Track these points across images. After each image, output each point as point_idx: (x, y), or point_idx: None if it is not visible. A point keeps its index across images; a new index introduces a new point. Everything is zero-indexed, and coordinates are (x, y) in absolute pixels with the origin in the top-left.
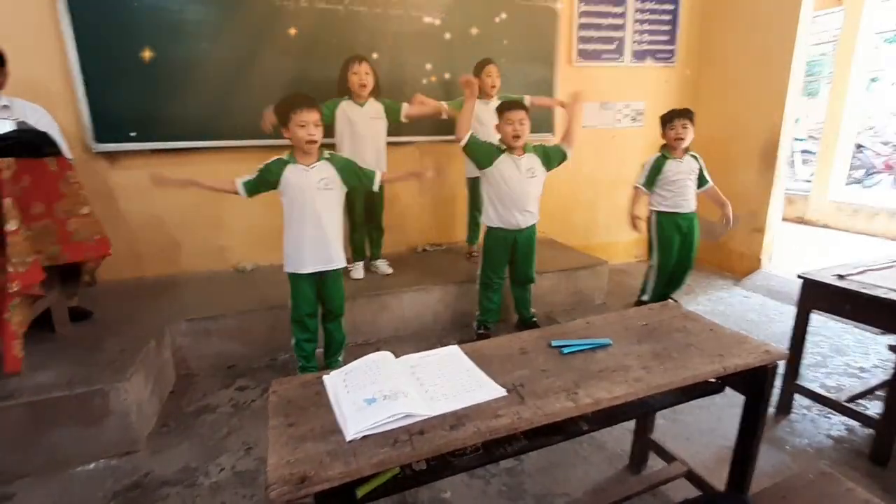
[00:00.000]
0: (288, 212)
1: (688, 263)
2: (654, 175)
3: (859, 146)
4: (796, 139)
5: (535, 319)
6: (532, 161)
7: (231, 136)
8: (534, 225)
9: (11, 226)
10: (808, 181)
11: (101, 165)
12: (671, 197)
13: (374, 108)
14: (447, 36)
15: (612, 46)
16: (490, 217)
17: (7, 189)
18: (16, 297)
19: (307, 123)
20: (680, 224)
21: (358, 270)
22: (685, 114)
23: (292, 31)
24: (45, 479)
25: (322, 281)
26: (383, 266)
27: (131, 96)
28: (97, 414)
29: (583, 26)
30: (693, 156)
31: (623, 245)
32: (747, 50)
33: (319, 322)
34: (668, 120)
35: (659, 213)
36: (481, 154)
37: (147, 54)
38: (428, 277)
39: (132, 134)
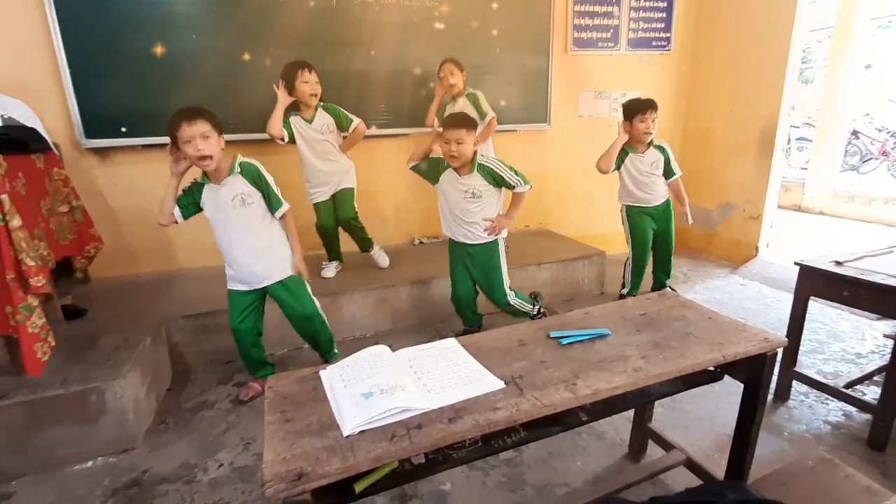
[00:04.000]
0: (215, 234)
1: (668, 248)
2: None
3: (855, 133)
4: (792, 126)
5: (537, 315)
6: (475, 181)
7: (223, 130)
8: (483, 245)
9: (16, 222)
10: (805, 168)
11: (92, 162)
12: (637, 192)
13: (323, 121)
14: (441, 26)
15: (608, 34)
16: (442, 225)
17: (5, 185)
18: (30, 295)
19: (192, 138)
20: (652, 215)
21: (329, 270)
22: (654, 105)
23: (283, 25)
24: (43, 477)
25: (276, 290)
26: (381, 258)
27: (121, 91)
28: (94, 412)
29: (578, 14)
30: (658, 146)
31: (620, 235)
32: (743, 37)
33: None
34: (638, 111)
35: (628, 206)
36: (425, 174)
37: (136, 48)
38: (425, 270)
39: (123, 129)
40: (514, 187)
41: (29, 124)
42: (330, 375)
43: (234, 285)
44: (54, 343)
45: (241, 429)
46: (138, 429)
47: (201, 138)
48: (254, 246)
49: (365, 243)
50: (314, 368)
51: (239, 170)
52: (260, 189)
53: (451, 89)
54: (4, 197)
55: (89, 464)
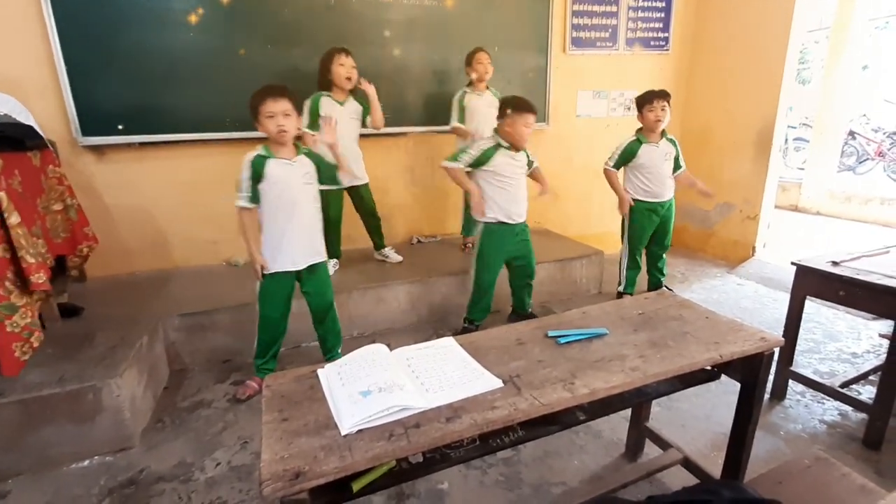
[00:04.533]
0: (272, 208)
1: (665, 244)
2: (624, 159)
3: (852, 133)
4: (789, 127)
5: (531, 311)
6: (524, 158)
7: (221, 128)
8: (525, 220)
9: (14, 219)
10: (802, 169)
11: (88, 159)
12: (648, 185)
13: (353, 107)
14: (438, 24)
15: (606, 34)
16: (493, 213)
17: (1, 183)
18: (14, 294)
19: (275, 114)
20: (657, 211)
21: (328, 268)
22: (664, 95)
23: (280, 20)
24: (39, 476)
25: (309, 276)
26: (392, 254)
27: (118, 88)
28: (90, 411)
29: (576, 13)
30: (670, 139)
31: (617, 235)
32: (741, 37)
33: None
34: (646, 101)
35: (635, 201)
36: (476, 163)
37: (133, 45)
38: (423, 269)
39: (119, 127)
40: (532, 163)
41: (21, 120)
42: (328, 374)
43: (281, 266)
44: (38, 344)
45: (239, 428)
46: (135, 428)
47: (283, 115)
48: (310, 224)
49: (382, 239)
50: (312, 367)
51: (307, 151)
52: (321, 171)
53: (484, 77)
54: (2, 194)
55: (85, 463)
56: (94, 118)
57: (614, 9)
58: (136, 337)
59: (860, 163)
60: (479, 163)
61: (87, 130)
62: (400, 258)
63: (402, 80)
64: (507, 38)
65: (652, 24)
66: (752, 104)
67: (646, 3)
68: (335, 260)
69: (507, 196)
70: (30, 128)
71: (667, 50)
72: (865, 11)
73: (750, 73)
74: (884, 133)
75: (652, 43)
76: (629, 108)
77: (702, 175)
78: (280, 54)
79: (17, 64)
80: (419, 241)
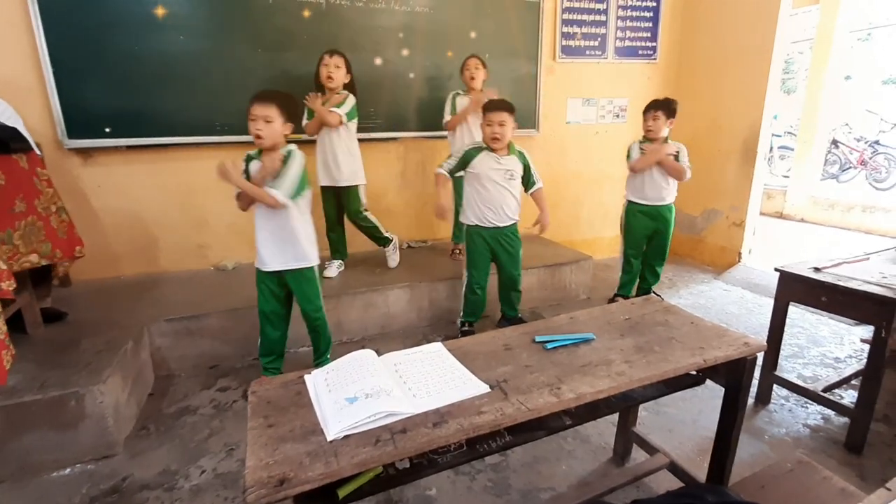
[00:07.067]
0: (257, 210)
1: (663, 255)
2: (627, 156)
3: (835, 142)
4: (774, 135)
5: (520, 316)
6: (513, 163)
7: (209, 131)
8: (513, 225)
9: None
10: (787, 176)
11: (74, 162)
12: (642, 187)
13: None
14: (430, 30)
15: (595, 43)
16: (467, 215)
17: None
18: None
19: (256, 118)
20: (650, 214)
21: (331, 269)
22: (656, 105)
23: (272, 25)
24: (20, 484)
25: (290, 279)
26: (392, 255)
27: (105, 91)
28: (72, 417)
29: (566, 22)
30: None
31: (607, 240)
32: (728, 47)
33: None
34: (644, 111)
35: (630, 202)
36: (460, 166)
37: (122, 47)
38: (412, 274)
39: (106, 129)
40: (534, 183)
41: (10, 123)
42: (315, 380)
43: (262, 265)
44: (14, 351)
45: (225, 434)
46: (118, 435)
47: (263, 121)
48: (281, 227)
49: (382, 242)
50: (299, 373)
51: (285, 153)
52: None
53: (471, 83)
54: None
55: (67, 471)
56: (80, 120)
57: (603, 18)
58: (120, 342)
59: (843, 171)
60: (462, 165)
61: (73, 133)
62: (396, 261)
63: (394, 85)
64: (497, 46)
65: (640, 34)
66: (739, 113)
67: (634, 13)
68: (339, 262)
69: (482, 198)
70: (13, 130)
71: (654, 59)
72: (848, 23)
73: (736, 83)
74: (865, 142)
75: (640, 52)
76: (618, 116)
77: (689, 182)
78: (271, 59)
79: (2, 65)
80: (409, 247)
